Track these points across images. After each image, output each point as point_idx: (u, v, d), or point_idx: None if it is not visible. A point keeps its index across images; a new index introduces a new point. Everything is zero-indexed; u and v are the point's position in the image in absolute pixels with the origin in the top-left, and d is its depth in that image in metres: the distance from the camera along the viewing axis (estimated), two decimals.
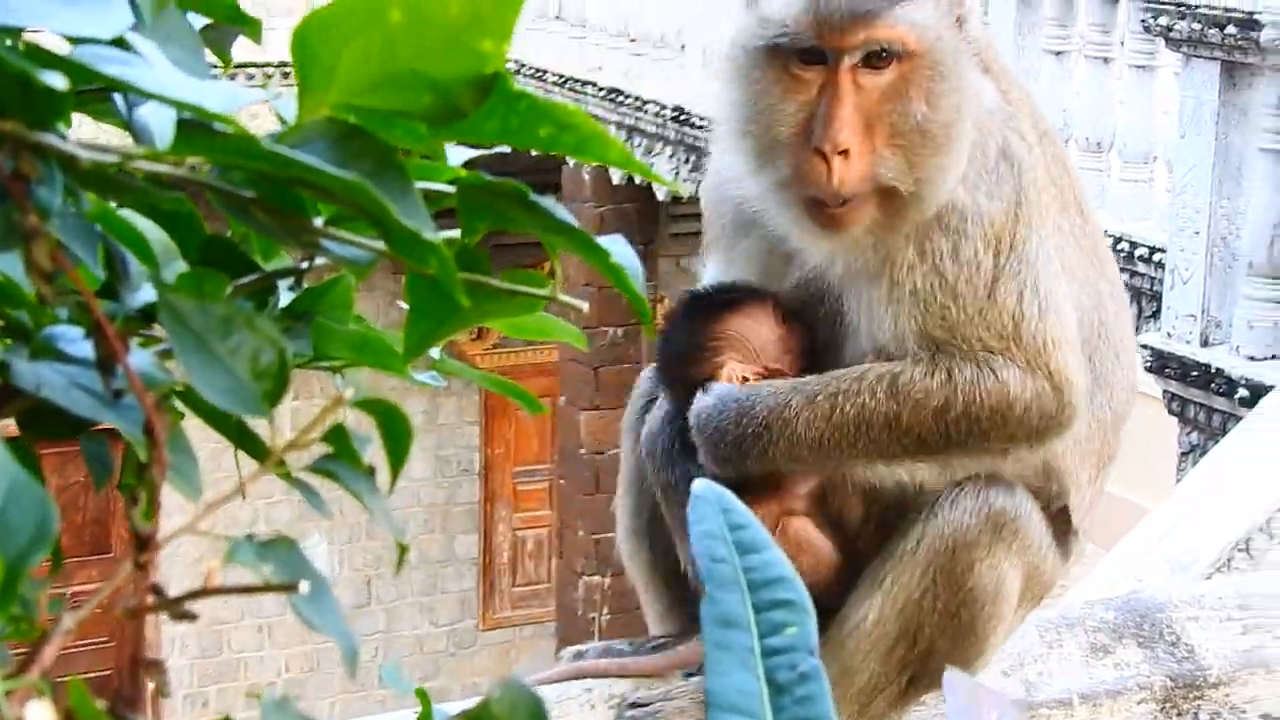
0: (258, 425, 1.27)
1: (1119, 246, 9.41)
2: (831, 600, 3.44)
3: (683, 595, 3.68)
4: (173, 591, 1.14)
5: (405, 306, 1.31)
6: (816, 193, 3.24)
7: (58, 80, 1.06)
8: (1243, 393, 8.14)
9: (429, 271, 1.15)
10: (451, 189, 1.25)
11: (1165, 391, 8.65)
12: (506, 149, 1.28)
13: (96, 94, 1.22)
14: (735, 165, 3.42)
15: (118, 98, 1.23)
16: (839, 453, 3.34)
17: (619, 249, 1.26)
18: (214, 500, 1.17)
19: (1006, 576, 3.44)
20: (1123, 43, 10.20)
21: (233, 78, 1.64)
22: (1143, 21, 8.82)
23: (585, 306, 1.30)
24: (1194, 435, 8.46)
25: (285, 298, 1.40)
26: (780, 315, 3.51)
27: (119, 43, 1.13)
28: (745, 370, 3.50)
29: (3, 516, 1.03)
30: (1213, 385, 8.36)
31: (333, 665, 19.10)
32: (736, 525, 1.25)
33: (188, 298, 1.18)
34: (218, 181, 1.15)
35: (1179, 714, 3.95)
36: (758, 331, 3.51)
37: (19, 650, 1.09)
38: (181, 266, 1.33)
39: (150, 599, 1.13)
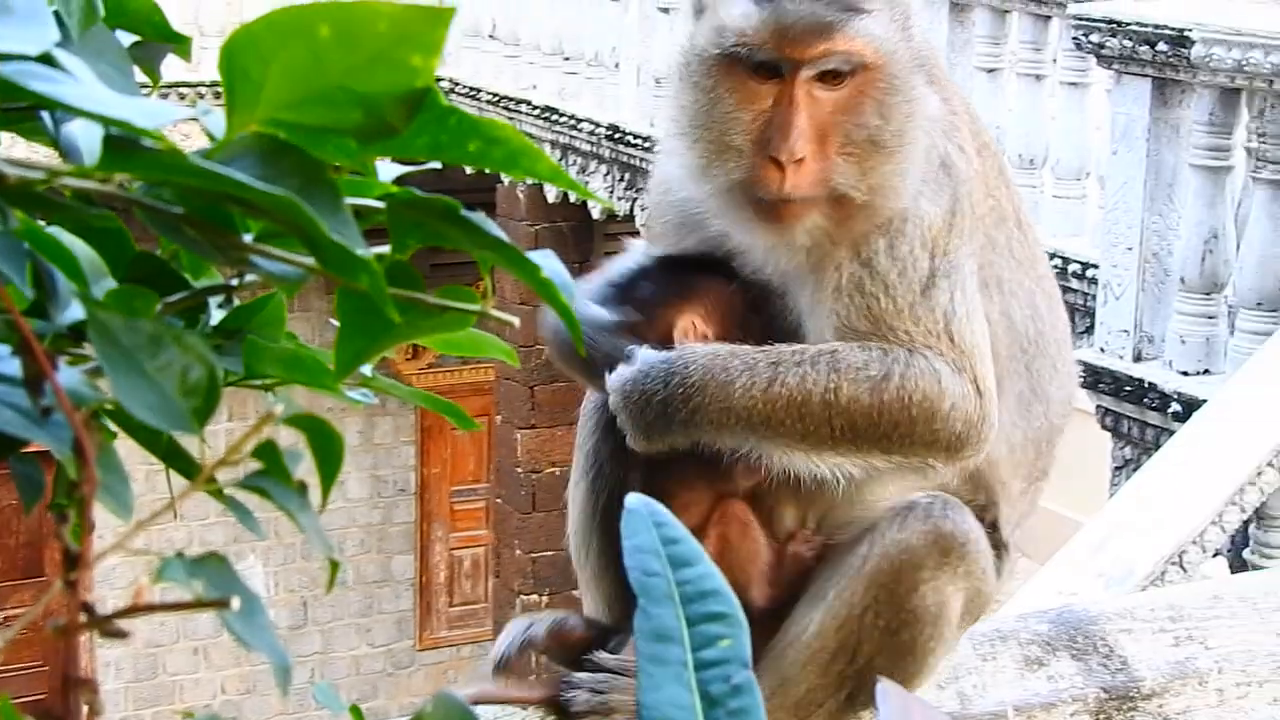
0: (189, 443, 1.27)
1: (1052, 262, 9.46)
2: (761, 599, 3.43)
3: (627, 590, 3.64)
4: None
5: (338, 324, 1.31)
6: (767, 196, 3.24)
7: None
8: (1175, 407, 8.19)
9: (360, 287, 1.15)
10: (382, 205, 1.25)
11: (1099, 406, 8.69)
12: (441, 166, 1.28)
13: (23, 111, 1.22)
14: (682, 167, 3.41)
15: (45, 115, 1.22)
16: (768, 428, 3.29)
17: (550, 264, 1.26)
18: (144, 519, 1.17)
19: (950, 600, 3.43)
20: (1055, 60, 10.26)
21: (164, 96, 1.64)
22: (1074, 39, 8.87)
23: (517, 322, 1.30)
24: (1127, 450, 8.51)
25: (216, 315, 1.39)
26: (744, 296, 3.47)
27: (46, 59, 1.13)
28: (705, 328, 3.46)
29: None
30: (1146, 400, 8.40)
31: (269, 687, 19.01)
32: (670, 539, 1.25)
33: (117, 315, 1.18)
34: (146, 198, 1.15)
35: None
36: (721, 298, 3.48)
37: None
38: (111, 284, 1.32)
39: (81, 617, 1.13)
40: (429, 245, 1.26)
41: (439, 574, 20.54)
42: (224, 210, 1.18)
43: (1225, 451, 6.67)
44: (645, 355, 3.35)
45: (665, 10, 14.14)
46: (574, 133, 15.21)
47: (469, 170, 1.27)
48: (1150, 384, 8.41)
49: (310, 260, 1.17)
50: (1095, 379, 8.64)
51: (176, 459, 1.31)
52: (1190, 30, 8.17)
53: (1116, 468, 8.55)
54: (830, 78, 3.26)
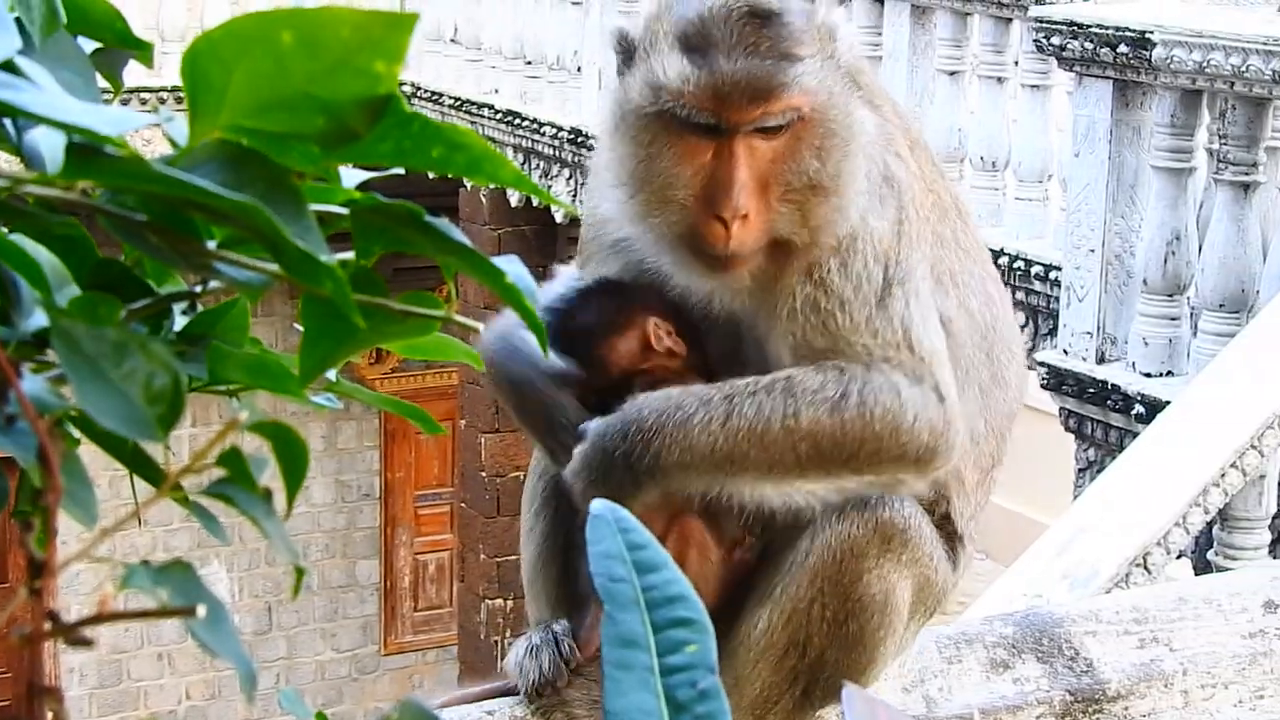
0: (154, 450, 1.26)
1: (1015, 265, 9.48)
2: (713, 608, 3.43)
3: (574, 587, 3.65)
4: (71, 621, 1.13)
5: (302, 329, 1.30)
6: (711, 251, 3.25)
7: None
8: (1139, 409, 8.21)
9: (324, 293, 1.15)
10: (346, 211, 1.25)
11: (1062, 408, 8.71)
12: (405, 171, 1.27)
13: None
14: (620, 212, 3.40)
15: (7, 122, 1.22)
16: (732, 463, 3.27)
17: (513, 269, 1.26)
18: (109, 525, 1.16)
19: (895, 587, 3.45)
20: (1016, 62, 10.28)
21: (125, 102, 1.63)
22: (1035, 41, 8.88)
23: (481, 327, 1.31)
24: (1091, 451, 8.52)
25: (180, 322, 1.39)
26: (688, 317, 3.47)
27: (8, 66, 1.12)
28: (666, 328, 3.44)
29: None
30: (1109, 402, 8.42)
31: (234, 693, 18.96)
32: (635, 545, 1.25)
33: (80, 322, 1.17)
34: (109, 205, 1.15)
35: None
36: (672, 313, 3.47)
37: None
38: (74, 291, 1.32)
39: (46, 625, 1.12)
40: (393, 251, 1.26)
41: (404, 579, 20.50)
42: (187, 217, 1.18)
43: (1189, 453, 6.69)
44: (594, 425, 3.32)
45: (627, 15, 14.15)
46: (536, 137, 15.20)
47: (432, 175, 1.27)
48: (1113, 386, 8.43)
49: (274, 266, 1.17)
50: (1058, 381, 8.66)
51: (141, 465, 1.30)
52: (1151, 32, 8.19)
53: (1080, 470, 8.57)
54: (769, 130, 3.26)
